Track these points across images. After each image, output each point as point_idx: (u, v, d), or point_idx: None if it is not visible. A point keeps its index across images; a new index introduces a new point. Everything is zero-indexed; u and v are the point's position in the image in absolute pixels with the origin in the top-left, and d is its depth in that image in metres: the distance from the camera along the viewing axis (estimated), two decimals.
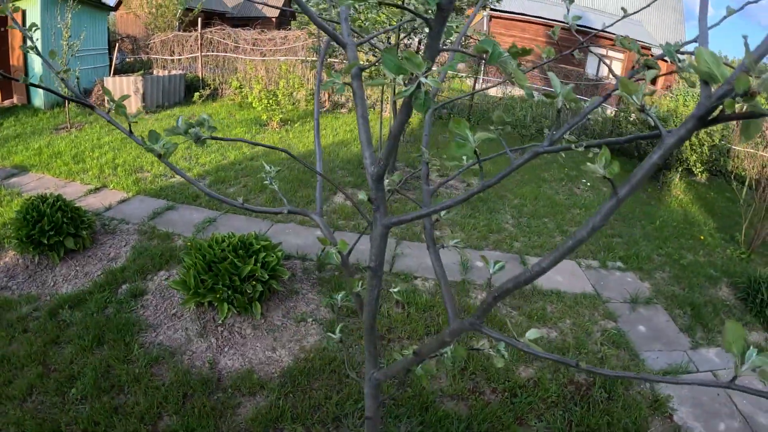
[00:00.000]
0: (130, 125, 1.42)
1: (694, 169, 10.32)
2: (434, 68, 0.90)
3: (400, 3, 0.79)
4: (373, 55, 7.62)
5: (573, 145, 1.05)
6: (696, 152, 10.15)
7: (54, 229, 4.72)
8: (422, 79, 0.85)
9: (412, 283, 5.03)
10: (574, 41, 17.49)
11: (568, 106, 1.10)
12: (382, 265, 1.36)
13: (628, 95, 0.85)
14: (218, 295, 3.82)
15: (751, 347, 0.82)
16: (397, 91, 0.89)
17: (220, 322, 3.98)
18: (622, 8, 1.76)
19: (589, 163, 0.88)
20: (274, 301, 4.37)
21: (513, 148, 1.30)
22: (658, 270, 6.20)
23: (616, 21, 1.78)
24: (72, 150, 8.91)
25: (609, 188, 8.26)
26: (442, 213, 1.51)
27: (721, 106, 0.76)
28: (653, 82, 21.71)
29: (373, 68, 7.78)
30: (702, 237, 7.68)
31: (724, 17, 1.48)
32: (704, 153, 10.22)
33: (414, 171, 8.61)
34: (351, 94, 12.11)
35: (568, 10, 1.50)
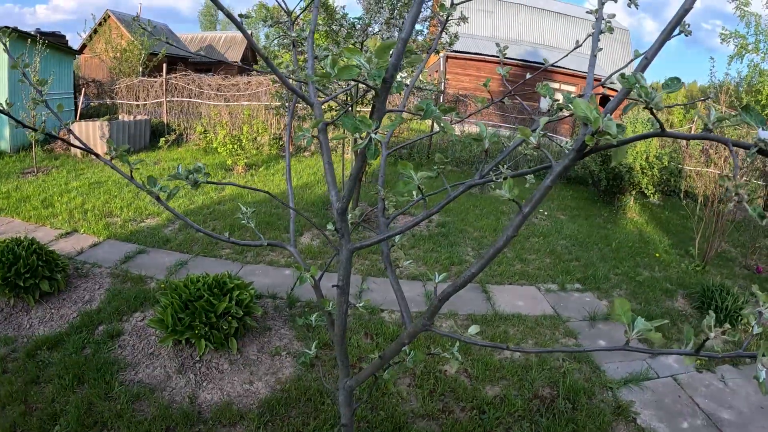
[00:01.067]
0: (131, 171, 1.63)
1: (646, 191, 10.79)
2: (387, 122, 1.17)
3: (355, 79, 1.04)
4: (335, 110, 7.99)
5: (494, 177, 1.32)
6: (647, 175, 10.60)
7: (29, 271, 4.82)
8: (372, 135, 1.12)
9: (379, 316, 5.23)
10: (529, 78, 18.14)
11: (503, 145, 1.39)
12: (348, 285, 1.60)
13: (525, 136, 1.13)
14: (196, 332, 3.97)
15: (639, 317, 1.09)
16: (353, 145, 1.16)
17: (197, 358, 4.11)
18: (576, 41, 2.04)
19: (497, 189, 1.15)
20: (248, 337, 4.53)
21: (453, 183, 1.56)
22: (615, 288, 6.56)
23: (563, 56, 2.09)
24: (40, 194, 8.95)
25: (566, 216, 8.69)
26: (399, 240, 1.76)
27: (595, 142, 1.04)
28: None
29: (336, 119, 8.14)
30: (657, 254, 8.13)
31: (632, 60, 1.78)
32: (655, 175, 10.62)
33: (374, 208, 8.90)
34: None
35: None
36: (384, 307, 5.39)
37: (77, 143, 12.05)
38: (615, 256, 7.85)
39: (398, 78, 1.32)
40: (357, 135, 1.14)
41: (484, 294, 6.05)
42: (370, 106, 7.99)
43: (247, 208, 1.93)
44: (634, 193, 11.05)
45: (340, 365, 1.82)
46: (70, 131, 1.66)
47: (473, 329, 1.42)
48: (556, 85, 21.72)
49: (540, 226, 9.27)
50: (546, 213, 10.20)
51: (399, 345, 1.52)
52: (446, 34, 7.90)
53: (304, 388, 3.92)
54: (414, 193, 1.40)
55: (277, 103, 9.20)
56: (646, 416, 4.00)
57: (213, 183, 1.49)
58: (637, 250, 8.30)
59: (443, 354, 1.71)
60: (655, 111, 0.93)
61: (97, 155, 1.58)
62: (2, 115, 10.11)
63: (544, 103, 21.17)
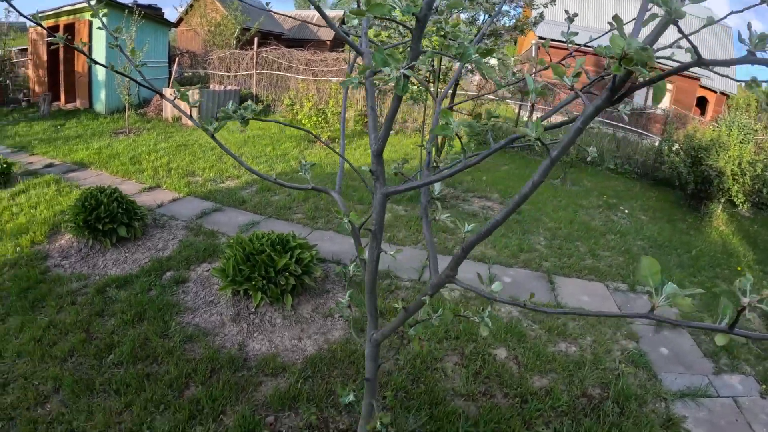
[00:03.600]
0: (212, 134, 1.71)
1: (736, 200, 10.11)
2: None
3: (387, 17, 1.04)
4: (416, 86, 7.99)
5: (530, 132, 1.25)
6: (738, 182, 9.95)
7: (109, 217, 5.17)
8: (402, 71, 1.10)
9: (439, 292, 5.22)
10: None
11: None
12: (381, 230, 1.60)
13: (522, 130, 1.06)
14: (254, 283, 4.15)
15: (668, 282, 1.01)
16: (385, 80, 1.14)
17: (253, 309, 4.29)
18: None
19: (522, 127, 1.10)
20: (305, 296, 4.66)
21: (498, 146, 1.51)
22: (688, 297, 6.17)
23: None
24: (129, 152, 9.54)
25: (648, 217, 8.27)
26: (439, 191, 1.73)
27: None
28: (702, 113, 21.22)
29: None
30: (739, 268, 7.58)
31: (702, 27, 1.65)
32: (746, 183, 9.98)
33: (453, 191, 8.85)
34: (398, 115, 12.51)
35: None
36: (445, 287, 5.35)
37: (168, 106, 12.72)
38: (694, 264, 7.39)
39: (491, 61, 1.29)
40: (388, 69, 1.13)
41: (549, 284, 5.89)
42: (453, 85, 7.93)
43: (307, 162, 1.94)
44: (722, 200, 10.33)
45: (369, 316, 1.83)
46: (162, 95, 1.74)
47: (496, 285, 1.38)
48: None
49: (618, 224, 8.87)
50: (627, 212, 9.75)
51: (422, 298, 1.51)
52: (534, 10, 7.69)
53: (350, 351, 3.98)
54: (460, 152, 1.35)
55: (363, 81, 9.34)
56: None
57: (257, 119, 1.52)
58: (718, 261, 7.77)
59: (472, 317, 1.67)
60: None
61: (189, 116, 1.66)
62: (100, 79, 10.93)
63: (638, 97, 20.21)
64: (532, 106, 15.55)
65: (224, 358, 3.75)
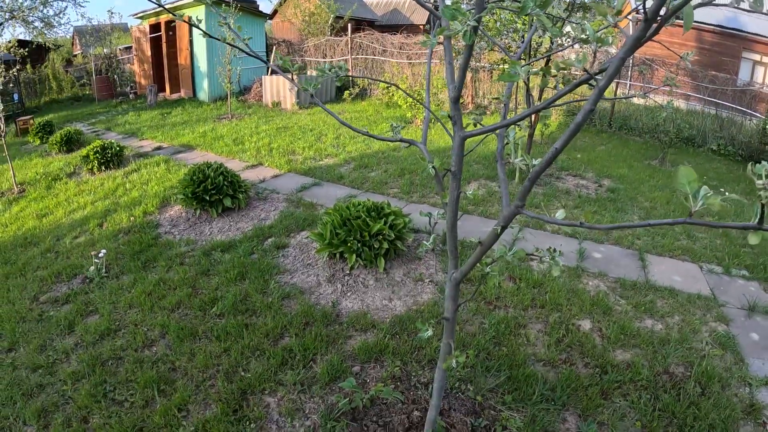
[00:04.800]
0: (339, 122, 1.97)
1: None
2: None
3: None
4: (507, 63, 7.96)
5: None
6: None
7: (215, 189, 5.70)
8: (470, 22, 1.28)
9: (527, 263, 5.30)
10: (726, 46, 16.04)
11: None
12: (460, 170, 1.78)
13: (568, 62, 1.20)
14: (349, 246, 4.51)
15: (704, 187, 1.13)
16: (445, 32, 1.33)
17: (347, 272, 4.66)
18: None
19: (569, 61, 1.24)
20: (397, 261, 4.96)
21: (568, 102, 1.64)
22: None
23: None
24: (232, 135, 10.26)
25: (750, 201, 7.85)
26: (514, 137, 1.88)
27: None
28: None
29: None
30: None
31: None
32: None
33: (547, 169, 8.77)
34: (493, 95, 12.48)
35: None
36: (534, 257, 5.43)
37: (268, 92, 13.41)
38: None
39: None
40: (456, 23, 1.31)
41: (641, 262, 5.79)
42: (545, 60, 7.84)
43: (397, 124, 2.14)
44: None
45: (450, 256, 2.02)
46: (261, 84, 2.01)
47: (560, 213, 1.52)
48: (756, 56, 18.67)
49: (731, 208, 8.43)
50: (726, 193, 9.21)
51: (495, 231, 1.67)
52: None
53: (437, 312, 4.21)
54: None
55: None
56: None
57: (352, 76, 1.75)
58: None
59: (544, 258, 1.78)
60: None
61: (323, 106, 1.93)
62: (202, 70, 11.79)
63: (743, 74, 18.55)
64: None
65: (318, 314, 4.11)
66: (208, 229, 5.68)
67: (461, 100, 14.03)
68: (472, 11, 1.32)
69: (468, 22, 1.27)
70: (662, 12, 1.06)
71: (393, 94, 13.44)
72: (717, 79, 15.19)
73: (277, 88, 14.04)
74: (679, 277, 5.54)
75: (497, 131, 1.72)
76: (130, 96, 16.95)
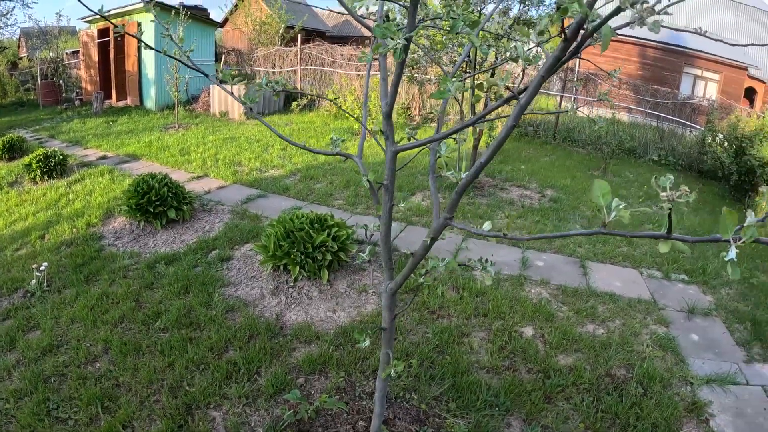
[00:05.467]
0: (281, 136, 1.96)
1: None
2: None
3: None
4: (455, 76, 8.10)
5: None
6: None
7: (160, 200, 5.58)
8: (399, 41, 1.31)
9: (471, 273, 5.35)
10: (669, 61, 16.70)
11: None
12: (392, 184, 1.80)
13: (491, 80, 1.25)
14: (292, 258, 4.48)
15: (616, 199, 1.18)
16: (380, 49, 1.35)
17: (291, 283, 4.62)
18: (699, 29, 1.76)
19: (492, 81, 1.28)
20: (341, 273, 4.96)
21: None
22: (724, 286, 6.05)
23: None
24: (179, 145, 10.06)
25: (689, 208, 8.07)
26: (445, 152, 1.91)
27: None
28: (751, 104, 20.42)
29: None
30: None
31: None
32: None
33: (492, 180, 8.95)
34: (435, 116, 12.54)
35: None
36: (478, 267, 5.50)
37: (215, 101, 13.23)
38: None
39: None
40: (387, 41, 1.33)
41: (582, 269, 5.93)
42: (490, 73, 8.02)
43: (337, 137, 2.15)
44: (766, 192, 10.05)
45: (384, 267, 2.03)
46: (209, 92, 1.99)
47: (487, 225, 1.56)
48: (697, 71, 19.82)
49: (657, 214, 8.76)
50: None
51: (426, 243, 1.70)
52: None
53: (381, 322, 4.20)
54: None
55: (408, 74, 9.49)
56: (720, 420, 3.68)
57: (287, 91, 1.75)
58: (760, 252, 7.58)
59: (475, 268, 1.80)
60: None
61: (259, 118, 1.92)
62: (150, 77, 11.52)
63: (684, 88, 19.54)
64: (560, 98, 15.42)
65: (262, 326, 4.07)
66: (152, 242, 5.54)
67: (409, 112, 14.34)
68: (404, 30, 1.34)
69: (398, 40, 1.30)
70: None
71: (341, 105, 13.45)
72: (658, 93, 15.88)
73: (225, 98, 13.85)
74: (620, 283, 5.70)
75: (430, 145, 1.75)
76: (76, 102, 16.36)
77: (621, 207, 1.15)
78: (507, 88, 1.35)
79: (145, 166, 8.76)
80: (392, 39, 1.34)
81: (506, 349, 4.13)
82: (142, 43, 1.87)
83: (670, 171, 12.65)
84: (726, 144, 10.65)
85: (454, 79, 1.41)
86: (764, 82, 20.91)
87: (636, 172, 11.79)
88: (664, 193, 1.07)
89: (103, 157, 9.48)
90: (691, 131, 14.48)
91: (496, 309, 4.66)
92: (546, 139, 13.83)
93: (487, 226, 1.54)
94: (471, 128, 7.65)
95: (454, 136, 1.68)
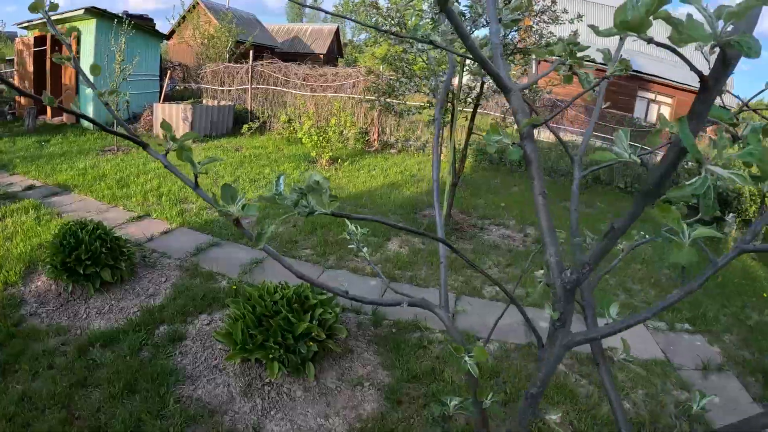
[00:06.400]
0: (196, 177, 1.14)
1: (753, 221, 9.84)
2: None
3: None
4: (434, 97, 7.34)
5: None
6: (756, 203, 9.77)
7: (91, 258, 4.50)
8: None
9: (475, 345, 4.61)
10: (623, 86, 17.18)
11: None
12: (544, 389, 1.01)
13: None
14: (269, 354, 3.45)
15: None
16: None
17: (267, 380, 3.60)
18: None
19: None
20: (327, 361, 3.96)
21: None
22: (726, 332, 5.75)
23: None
24: (117, 173, 8.85)
25: (668, 244, 7.88)
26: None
27: None
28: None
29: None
30: (765, 294, 7.15)
31: None
32: (766, 204, 10.05)
33: (468, 218, 8.27)
34: (400, 133, 11.78)
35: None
36: (480, 335, 4.78)
37: (159, 121, 12.04)
38: (721, 292, 6.94)
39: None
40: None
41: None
42: (472, 106, 7.34)
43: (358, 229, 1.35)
44: (738, 221, 9.97)
45: None
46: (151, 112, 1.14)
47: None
48: (651, 96, 20.37)
49: (640, 250, 8.37)
50: (646, 236, 9.25)
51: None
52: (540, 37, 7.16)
53: (389, 429, 3.33)
54: None
55: (371, 97, 8.64)
56: None
57: (344, 215, 0.91)
58: (743, 287, 7.32)
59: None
60: None
61: (144, 145, 1.12)
62: (87, 92, 10.23)
63: (638, 111, 19.95)
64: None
65: None
66: (83, 310, 4.43)
67: (367, 137, 13.60)
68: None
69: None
70: None
71: (296, 130, 12.51)
72: (614, 117, 15.95)
73: (170, 118, 12.66)
74: (629, 341, 5.13)
75: None
76: (8, 117, 14.63)
77: None
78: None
79: (77, 200, 7.53)
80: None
81: None
82: (78, 56, 1.09)
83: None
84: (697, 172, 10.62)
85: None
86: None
87: (606, 201, 11.49)
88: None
89: (31, 187, 8.15)
90: (655, 157, 14.47)
91: (516, 391, 3.94)
92: (511, 167, 13.44)
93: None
94: (449, 167, 6.89)
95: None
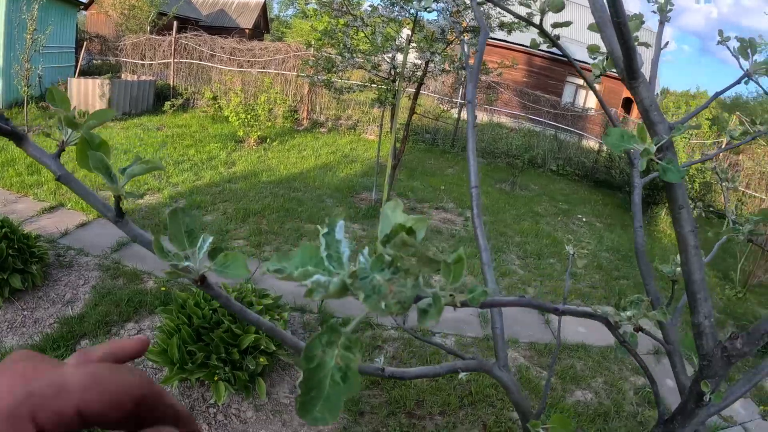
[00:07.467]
0: (118, 202, 0.73)
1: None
2: None
3: None
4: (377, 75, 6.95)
5: None
6: (686, 188, 10.15)
7: None
8: None
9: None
10: (553, 70, 17.57)
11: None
12: None
13: None
14: (213, 374, 2.99)
15: None
16: None
17: (212, 401, 3.15)
18: None
19: None
20: (278, 372, 3.55)
21: None
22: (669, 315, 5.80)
23: None
24: (27, 158, 7.91)
25: (602, 225, 7.95)
26: None
27: None
28: (628, 112, 21.72)
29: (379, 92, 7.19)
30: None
31: None
32: (695, 189, 10.63)
33: (407, 201, 7.99)
34: (330, 111, 11.34)
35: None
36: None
37: (74, 98, 10.97)
38: (659, 275, 7.05)
39: None
40: None
41: (542, 316, 5.35)
42: (416, 85, 7.00)
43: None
44: (668, 204, 10.33)
45: None
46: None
47: None
48: (580, 81, 20.98)
49: (580, 233, 8.47)
50: (584, 219, 9.37)
51: None
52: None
53: None
54: None
55: (309, 72, 8.05)
56: None
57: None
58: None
59: None
60: None
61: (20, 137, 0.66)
62: None
63: (567, 96, 20.44)
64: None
65: None
66: None
67: (296, 116, 13.03)
68: None
69: None
70: None
71: (221, 108, 11.74)
72: (540, 100, 16.27)
73: (86, 95, 11.57)
74: (583, 328, 5.27)
75: None
76: None
77: None
78: None
79: None
80: None
81: None
82: None
83: (569, 180, 12.77)
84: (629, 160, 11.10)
85: None
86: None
87: (540, 184, 11.60)
88: None
89: None
90: (587, 141, 14.95)
91: (481, 393, 3.75)
92: (444, 148, 13.37)
93: None
94: (390, 148, 6.57)
95: None
